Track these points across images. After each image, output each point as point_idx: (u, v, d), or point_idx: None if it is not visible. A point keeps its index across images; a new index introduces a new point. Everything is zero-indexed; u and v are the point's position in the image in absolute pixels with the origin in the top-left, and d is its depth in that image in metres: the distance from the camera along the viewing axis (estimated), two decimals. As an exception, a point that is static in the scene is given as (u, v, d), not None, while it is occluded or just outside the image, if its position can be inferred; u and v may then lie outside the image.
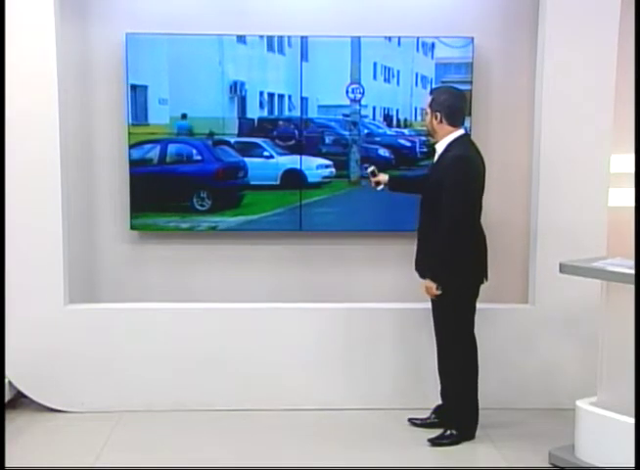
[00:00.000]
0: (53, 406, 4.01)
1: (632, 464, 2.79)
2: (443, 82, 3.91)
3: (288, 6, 4.13)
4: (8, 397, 3.95)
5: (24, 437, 3.71)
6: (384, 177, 3.66)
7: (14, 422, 3.85)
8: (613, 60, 3.94)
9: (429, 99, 3.54)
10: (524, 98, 4.22)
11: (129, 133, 4.06)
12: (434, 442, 3.59)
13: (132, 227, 4.03)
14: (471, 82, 3.91)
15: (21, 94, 3.81)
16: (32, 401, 4.02)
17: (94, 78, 4.18)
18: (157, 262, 4.33)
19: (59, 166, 3.89)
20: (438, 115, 3.48)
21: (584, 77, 3.95)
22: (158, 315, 4.06)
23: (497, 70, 4.24)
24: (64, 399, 4.01)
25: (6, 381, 3.93)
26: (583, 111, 3.97)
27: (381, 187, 3.62)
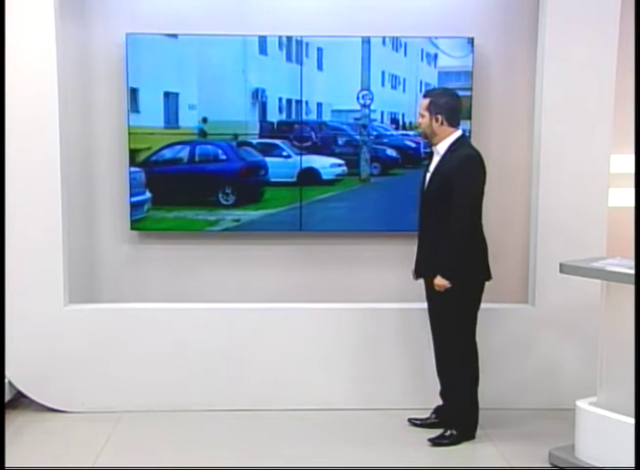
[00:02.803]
0: (53, 406, 4.01)
1: (632, 464, 2.79)
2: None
3: (289, 7, 4.15)
4: (8, 397, 3.95)
5: (24, 437, 3.71)
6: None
7: (14, 422, 3.85)
8: (613, 60, 3.94)
9: (425, 102, 3.52)
10: (524, 97, 4.22)
11: (129, 133, 4.10)
12: (435, 441, 3.59)
13: (142, 223, 4.05)
14: (471, 89, 4.01)
15: (21, 94, 3.81)
16: (32, 401, 4.02)
17: (95, 79, 4.18)
18: (157, 262, 4.33)
19: (59, 167, 3.89)
20: (440, 117, 3.48)
21: (584, 77, 3.95)
22: (158, 315, 4.06)
23: (497, 70, 4.25)
24: (64, 400, 4.01)
25: (6, 381, 3.93)
26: (583, 111, 3.97)
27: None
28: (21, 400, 4.06)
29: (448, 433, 3.61)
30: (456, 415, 3.64)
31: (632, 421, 3.09)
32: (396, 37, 3.90)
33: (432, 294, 3.59)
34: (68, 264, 4.02)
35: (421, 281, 3.69)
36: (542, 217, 4.04)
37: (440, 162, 3.51)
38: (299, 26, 4.09)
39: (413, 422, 3.83)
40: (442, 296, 3.48)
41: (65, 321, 3.99)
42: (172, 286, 4.32)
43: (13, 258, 3.85)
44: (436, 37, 4.10)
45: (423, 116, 3.53)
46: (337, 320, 4.08)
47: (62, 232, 3.93)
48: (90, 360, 4.01)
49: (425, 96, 3.58)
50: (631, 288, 3.07)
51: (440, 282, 3.44)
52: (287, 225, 3.99)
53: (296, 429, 3.82)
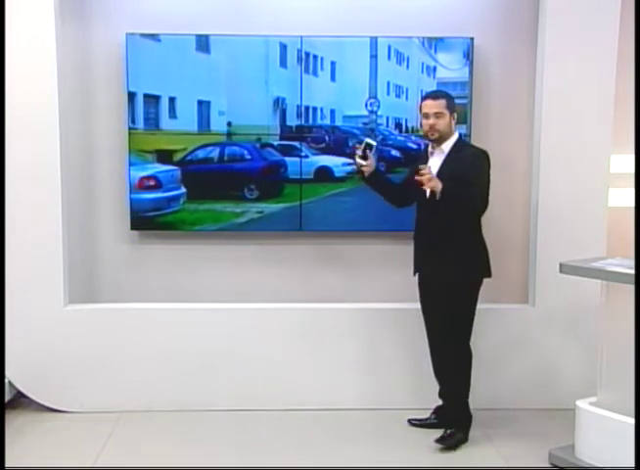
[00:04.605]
0: (53, 406, 4.01)
1: (632, 464, 2.79)
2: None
3: (289, 7, 4.18)
4: (8, 397, 3.95)
5: (24, 437, 3.71)
6: (371, 164, 3.60)
7: (14, 422, 3.85)
8: (613, 60, 3.94)
9: (443, 102, 3.51)
10: (523, 98, 4.22)
11: (129, 134, 4.13)
12: (445, 443, 3.55)
13: (179, 215, 4.23)
14: (469, 96, 4.19)
15: (21, 94, 3.81)
16: (32, 401, 4.03)
17: (94, 79, 4.18)
18: (157, 262, 4.33)
19: (59, 167, 3.89)
20: (455, 115, 3.54)
21: (584, 78, 3.95)
22: (158, 315, 4.06)
23: (497, 70, 4.25)
24: (64, 399, 4.01)
25: (6, 381, 3.93)
26: (583, 111, 3.97)
27: (365, 171, 3.57)
28: (20, 400, 4.06)
29: (449, 432, 3.59)
30: (460, 415, 3.61)
31: (632, 421, 3.09)
32: (400, 53, 4.17)
33: (436, 295, 3.55)
34: (68, 264, 4.02)
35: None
36: (542, 218, 4.04)
37: (446, 161, 3.50)
38: (299, 27, 4.12)
39: (412, 423, 3.83)
40: (448, 295, 3.46)
41: (65, 321, 3.99)
42: (172, 286, 4.31)
43: (13, 258, 3.85)
44: (436, 37, 4.16)
45: (444, 115, 3.50)
46: (337, 320, 4.08)
47: (62, 232, 3.93)
48: (90, 360, 4.01)
49: (438, 97, 3.54)
50: (631, 288, 3.08)
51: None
52: (304, 218, 4.27)
53: (295, 429, 3.82)
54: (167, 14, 4.15)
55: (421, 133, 3.76)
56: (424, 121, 3.55)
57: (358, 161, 3.58)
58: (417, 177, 3.35)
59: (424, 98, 3.62)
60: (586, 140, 3.99)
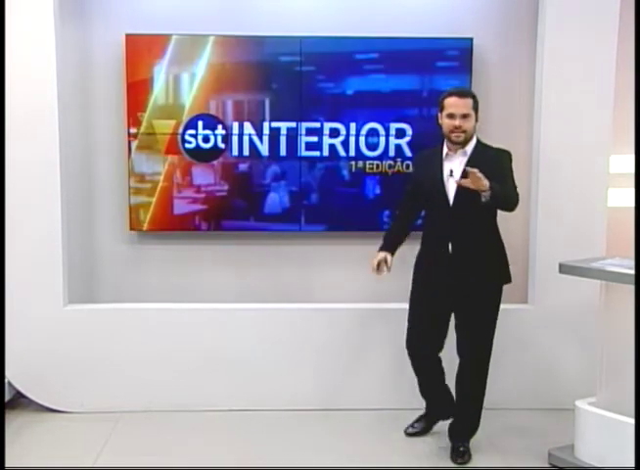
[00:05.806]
0: (53, 406, 4.01)
1: (632, 464, 2.79)
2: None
3: (289, 6, 4.18)
4: (8, 397, 3.95)
5: (24, 437, 3.71)
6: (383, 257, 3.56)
7: (14, 422, 3.85)
8: (612, 60, 3.94)
9: (470, 101, 3.30)
10: (523, 98, 4.22)
11: (129, 133, 4.12)
12: (465, 459, 3.47)
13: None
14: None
15: (21, 94, 3.81)
16: (32, 401, 4.03)
17: (94, 79, 4.19)
18: (156, 263, 4.34)
19: (58, 167, 3.89)
20: (478, 115, 3.36)
21: (584, 78, 3.95)
22: (158, 315, 4.06)
23: (497, 71, 4.25)
24: (64, 400, 4.01)
25: (6, 381, 3.93)
26: (583, 111, 3.97)
27: (383, 272, 3.60)
28: (20, 401, 4.06)
29: (462, 449, 3.49)
30: (475, 421, 3.53)
31: (632, 421, 3.09)
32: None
33: (460, 300, 3.43)
34: (67, 264, 4.02)
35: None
36: (542, 217, 4.04)
37: (469, 163, 3.25)
38: (298, 26, 4.13)
39: (409, 433, 3.74)
40: (481, 300, 3.40)
41: (64, 321, 3.99)
42: (172, 286, 4.32)
43: (13, 258, 3.85)
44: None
45: (471, 116, 3.30)
46: (335, 320, 4.08)
47: (62, 232, 3.93)
48: (89, 360, 4.01)
49: (465, 95, 3.32)
50: (631, 288, 3.08)
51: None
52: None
53: (294, 429, 3.82)
54: (168, 14, 4.15)
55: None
56: (447, 121, 3.30)
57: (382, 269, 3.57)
58: (458, 181, 3.20)
59: (449, 95, 3.33)
60: (586, 140, 3.98)
